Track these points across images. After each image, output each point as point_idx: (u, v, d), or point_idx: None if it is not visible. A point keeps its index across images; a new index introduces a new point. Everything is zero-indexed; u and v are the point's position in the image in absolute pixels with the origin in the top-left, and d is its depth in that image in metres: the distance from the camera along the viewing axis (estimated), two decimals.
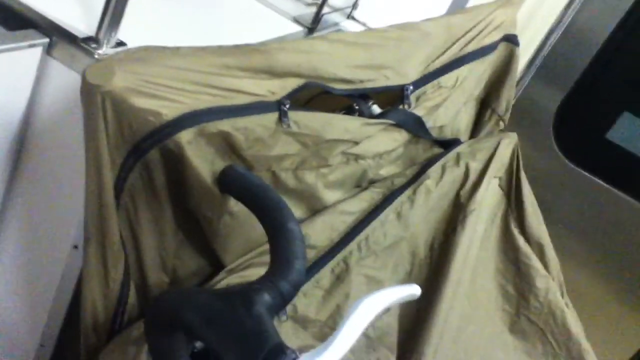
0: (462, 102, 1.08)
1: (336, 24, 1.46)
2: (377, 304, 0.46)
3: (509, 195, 1.02)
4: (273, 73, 0.71)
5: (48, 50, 0.75)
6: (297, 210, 0.83)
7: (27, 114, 0.80)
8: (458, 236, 0.90)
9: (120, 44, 0.79)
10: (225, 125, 0.64)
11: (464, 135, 1.08)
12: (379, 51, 0.86)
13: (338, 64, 0.79)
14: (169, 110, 0.59)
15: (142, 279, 0.70)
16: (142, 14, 0.79)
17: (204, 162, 0.63)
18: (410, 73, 0.90)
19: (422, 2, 1.45)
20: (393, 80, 0.88)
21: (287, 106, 0.71)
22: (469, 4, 1.47)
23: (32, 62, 0.74)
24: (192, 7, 1.15)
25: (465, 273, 0.90)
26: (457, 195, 0.95)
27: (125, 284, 0.68)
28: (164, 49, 0.65)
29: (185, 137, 0.60)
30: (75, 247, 0.88)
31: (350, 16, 1.59)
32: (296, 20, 1.35)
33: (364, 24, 1.57)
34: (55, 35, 0.75)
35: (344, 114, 0.87)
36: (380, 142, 0.88)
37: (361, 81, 0.84)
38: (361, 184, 0.91)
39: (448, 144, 1.00)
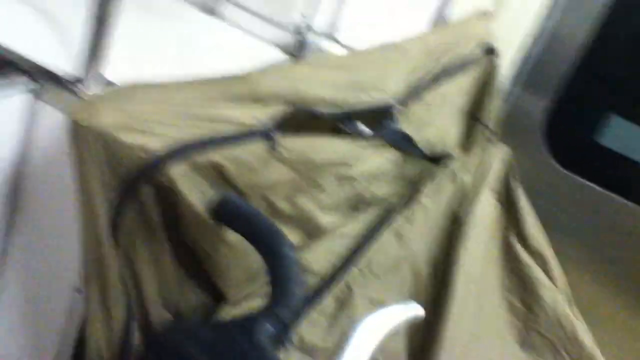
0: (450, 117, 1.08)
1: (320, 48, 1.47)
2: (379, 323, 0.45)
3: (507, 207, 1.02)
4: (258, 100, 0.71)
5: (37, 94, 0.75)
6: (295, 237, 0.82)
7: (20, 158, 0.79)
8: (459, 253, 0.89)
9: (110, 83, 0.79)
10: (215, 156, 0.64)
11: (454, 150, 1.08)
12: (361, 72, 0.86)
13: (322, 87, 0.79)
14: (158, 145, 0.59)
15: (144, 318, 0.69)
16: (127, 50, 0.80)
17: (196, 194, 0.62)
18: (394, 91, 0.90)
19: (401, 20, 1.47)
20: (378, 99, 0.88)
21: (275, 132, 0.71)
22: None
23: (23, 107, 0.74)
24: (176, 39, 1.16)
25: (470, 290, 0.89)
26: (455, 211, 0.94)
27: (128, 323, 0.67)
28: (148, 85, 0.65)
29: (177, 170, 0.60)
30: (78, 290, 0.87)
31: (332, 39, 1.61)
32: (280, 47, 1.37)
33: (347, 47, 1.58)
34: (43, 78, 0.75)
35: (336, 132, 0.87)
36: (372, 162, 0.87)
37: (347, 102, 0.84)
38: (357, 205, 0.90)
39: (440, 160, 1.00)
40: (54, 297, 0.88)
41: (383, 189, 0.92)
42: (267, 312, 0.47)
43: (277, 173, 0.73)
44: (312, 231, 0.84)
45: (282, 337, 0.47)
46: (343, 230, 0.85)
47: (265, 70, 0.77)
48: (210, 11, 1.38)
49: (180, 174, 0.60)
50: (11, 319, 0.93)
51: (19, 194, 0.82)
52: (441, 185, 0.95)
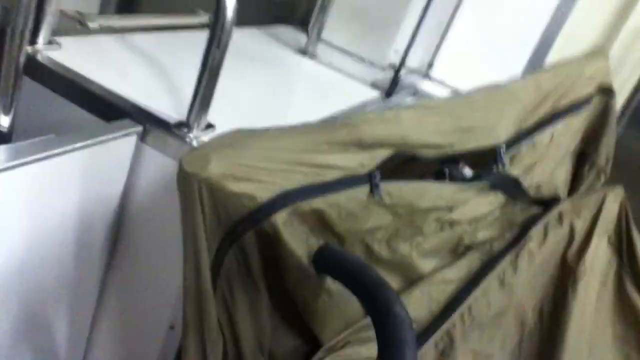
0: (559, 158, 1.03)
1: (413, 85, 1.45)
2: None
3: (621, 253, 0.94)
4: (361, 146, 0.70)
5: (142, 137, 0.77)
6: (392, 282, 0.79)
7: (123, 200, 0.82)
8: (570, 302, 0.83)
9: (209, 126, 0.81)
10: (318, 203, 0.63)
11: (562, 192, 1.02)
12: (466, 114, 0.83)
13: (426, 131, 0.77)
14: (263, 193, 0.59)
15: None
16: (225, 94, 0.82)
17: (298, 241, 0.61)
18: (501, 133, 0.87)
19: (498, 57, 1.43)
20: (483, 141, 0.85)
21: (378, 178, 0.69)
22: (547, 60, 1.43)
23: (128, 150, 0.77)
24: (272, 83, 1.18)
25: (582, 342, 0.83)
26: (564, 257, 0.88)
27: None
28: (253, 131, 0.65)
29: (280, 218, 0.59)
30: (172, 327, 0.88)
31: (426, 76, 1.58)
32: (374, 85, 1.36)
33: (441, 82, 1.55)
34: (148, 122, 0.78)
35: (434, 179, 0.84)
36: (475, 206, 0.83)
37: (451, 145, 0.81)
38: (457, 250, 0.86)
39: (547, 203, 0.95)
40: (148, 333, 0.90)
41: (485, 233, 0.88)
42: None
43: (378, 218, 0.71)
44: (411, 276, 0.81)
45: None
46: (443, 276, 0.81)
47: (368, 115, 0.75)
48: (303, 52, 1.40)
49: (283, 222, 0.59)
50: (107, 353, 0.95)
51: (120, 231, 0.85)
52: (548, 229, 0.89)
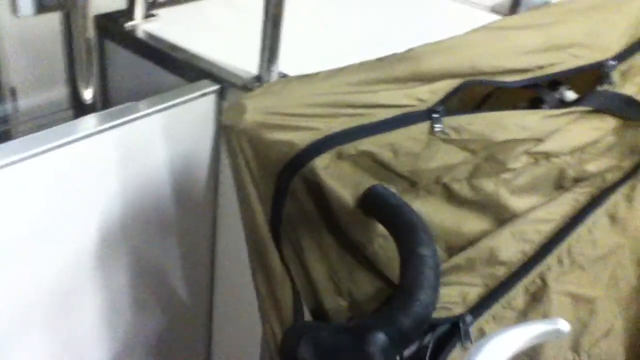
0: None
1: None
2: (505, 344, 0.37)
3: None
4: (421, 79, 0.66)
5: (221, 95, 0.81)
6: (481, 223, 0.74)
7: (214, 153, 0.88)
8: None
9: (284, 76, 0.82)
10: (365, 144, 0.61)
11: None
12: (561, 28, 0.73)
13: (504, 54, 0.70)
14: (300, 139, 0.58)
15: (317, 305, 0.70)
16: (304, 42, 0.82)
17: (345, 186, 0.60)
18: (609, 46, 0.75)
19: None
20: (585, 58, 0.74)
21: (440, 113, 0.65)
22: None
23: (209, 108, 0.81)
24: (379, 9, 1.13)
25: None
26: None
27: (298, 310, 0.69)
28: (301, 77, 0.65)
29: (321, 163, 0.59)
30: None
31: None
32: (494, 11, 1.24)
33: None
34: (225, 81, 0.81)
35: (529, 108, 0.76)
36: (577, 134, 0.74)
37: (540, 67, 0.72)
38: (561, 184, 0.77)
39: None
40: None
41: (598, 163, 0.77)
42: (385, 319, 0.43)
43: (448, 156, 0.67)
44: (503, 216, 0.74)
45: (398, 348, 0.42)
46: (539, 214, 0.74)
47: (431, 45, 0.70)
48: None
49: (324, 167, 0.59)
50: (225, 309, 1.03)
51: (219, 180, 0.91)
52: None
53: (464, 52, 0.68)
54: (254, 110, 0.59)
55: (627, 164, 0.78)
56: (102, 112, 0.72)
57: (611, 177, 0.77)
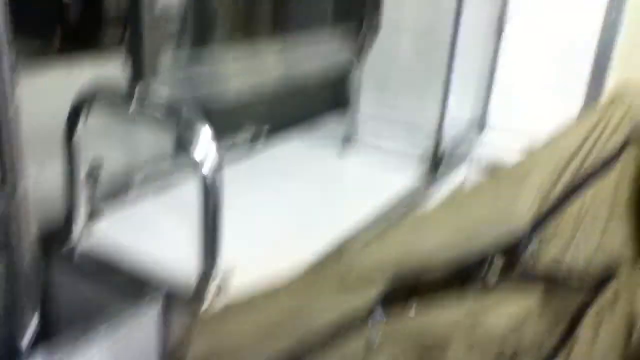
0: (611, 217, 0.92)
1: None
2: None
3: None
4: (355, 287, 0.69)
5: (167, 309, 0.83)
6: None
7: None
8: None
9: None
10: None
11: (623, 259, 0.91)
12: (469, 215, 0.79)
13: (426, 247, 0.74)
14: None
15: None
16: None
17: None
18: (520, 220, 0.80)
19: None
20: (501, 237, 0.79)
21: (377, 317, 0.67)
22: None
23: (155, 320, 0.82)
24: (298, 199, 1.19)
25: None
26: (627, 343, 0.79)
27: None
28: (242, 304, 0.67)
29: None
30: None
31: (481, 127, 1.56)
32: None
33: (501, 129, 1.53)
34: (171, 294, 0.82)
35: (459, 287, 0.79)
36: (504, 312, 0.77)
37: (463, 249, 0.77)
38: None
39: (601, 280, 0.85)
40: None
41: (531, 336, 0.80)
42: None
43: (392, 356, 0.69)
44: None
45: None
46: None
47: (363, 246, 0.74)
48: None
49: None
50: None
51: None
52: (603, 316, 0.80)
53: (393, 248, 0.72)
54: (202, 341, 0.61)
55: (559, 329, 0.81)
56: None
57: (548, 345, 0.80)
